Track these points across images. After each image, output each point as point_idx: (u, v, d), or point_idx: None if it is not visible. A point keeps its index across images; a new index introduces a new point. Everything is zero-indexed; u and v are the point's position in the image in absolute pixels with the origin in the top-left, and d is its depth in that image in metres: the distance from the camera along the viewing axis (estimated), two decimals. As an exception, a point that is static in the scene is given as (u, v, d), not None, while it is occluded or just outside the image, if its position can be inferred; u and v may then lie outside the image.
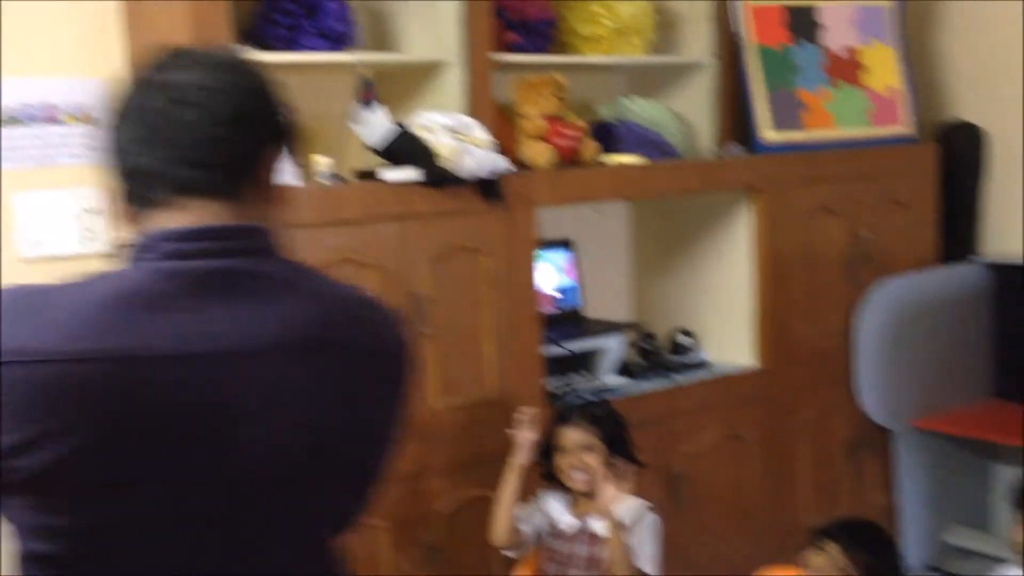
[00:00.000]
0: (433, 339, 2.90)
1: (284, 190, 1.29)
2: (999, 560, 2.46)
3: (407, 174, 2.79)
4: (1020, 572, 2.22)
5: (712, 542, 3.48)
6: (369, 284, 2.79)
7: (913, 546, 3.92)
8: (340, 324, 1.23)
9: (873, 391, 3.76)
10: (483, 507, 3.02)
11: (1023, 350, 3.64)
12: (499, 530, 2.60)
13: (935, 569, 3.95)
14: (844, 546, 2.34)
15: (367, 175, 2.85)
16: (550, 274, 3.51)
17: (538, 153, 3.10)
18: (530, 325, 3.09)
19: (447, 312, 2.93)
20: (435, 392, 2.92)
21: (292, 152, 1.32)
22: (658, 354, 3.60)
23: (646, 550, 2.54)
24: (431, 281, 2.89)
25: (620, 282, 3.93)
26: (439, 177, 2.77)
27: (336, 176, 2.81)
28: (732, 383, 3.52)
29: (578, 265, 3.60)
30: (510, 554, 2.65)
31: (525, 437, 2.62)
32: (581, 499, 2.63)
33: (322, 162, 2.78)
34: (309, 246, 2.68)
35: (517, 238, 3.04)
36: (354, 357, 1.24)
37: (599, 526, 2.57)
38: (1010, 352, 3.95)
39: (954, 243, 4.03)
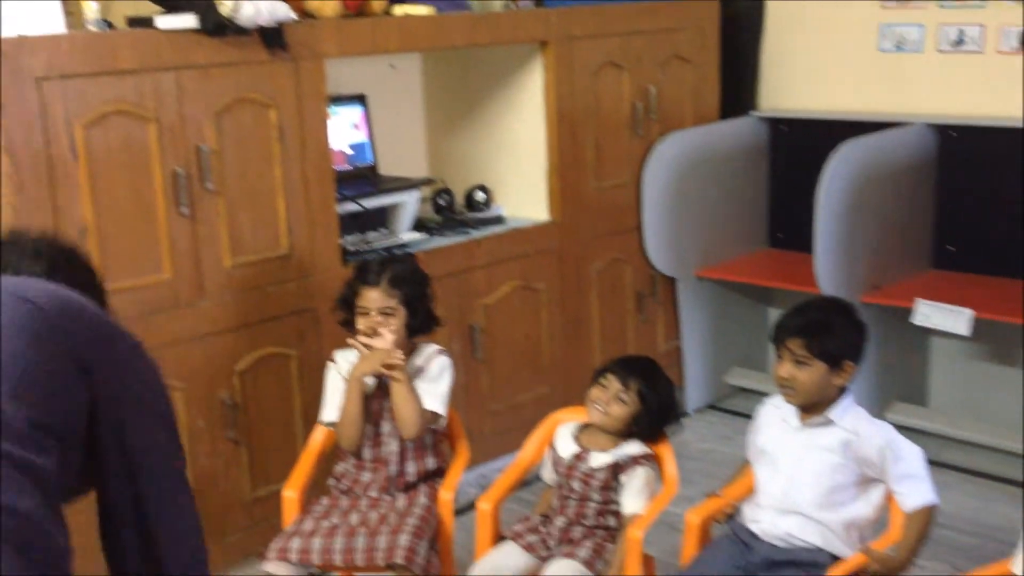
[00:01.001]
0: (221, 195, 2.82)
1: None
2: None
3: (183, 21, 2.66)
4: (782, 401, 2.40)
5: (509, 391, 3.61)
6: (148, 137, 2.68)
7: (696, 387, 4.18)
8: None
9: (659, 242, 3.93)
10: (279, 364, 3.02)
11: (796, 201, 3.83)
12: (350, 439, 2.56)
13: (716, 407, 4.23)
14: (619, 375, 2.47)
15: (140, 22, 2.70)
16: (343, 129, 3.45)
17: (323, 1, 3.01)
18: (323, 181, 3.05)
19: (235, 168, 2.85)
20: (226, 250, 2.86)
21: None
22: (454, 209, 3.63)
23: (434, 388, 2.59)
24: (216, 135, 2.80)
25: (415, 138, 3.91)
26: (217, 24, 2.66)
27: (106, 22, 2.65)
28: (527, 236, 3.60)
29: (372, 121, 3.56)
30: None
31: (361, 350, 2.57)
32: None
33: (90, 7, 2.61)
34: (79, 97, 2.54)
35: (306, 91, 2.96)
36: None
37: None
38: (784, 203, 4.19)
39: (734, 98, 4.19)
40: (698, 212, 4.00)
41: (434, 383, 2.59)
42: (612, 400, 2.47)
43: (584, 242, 3.76)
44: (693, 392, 4.18)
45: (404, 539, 2.43)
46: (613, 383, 2.48)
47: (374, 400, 2.59)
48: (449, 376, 2.62)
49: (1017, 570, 2.03)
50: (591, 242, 3.78)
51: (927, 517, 2.26)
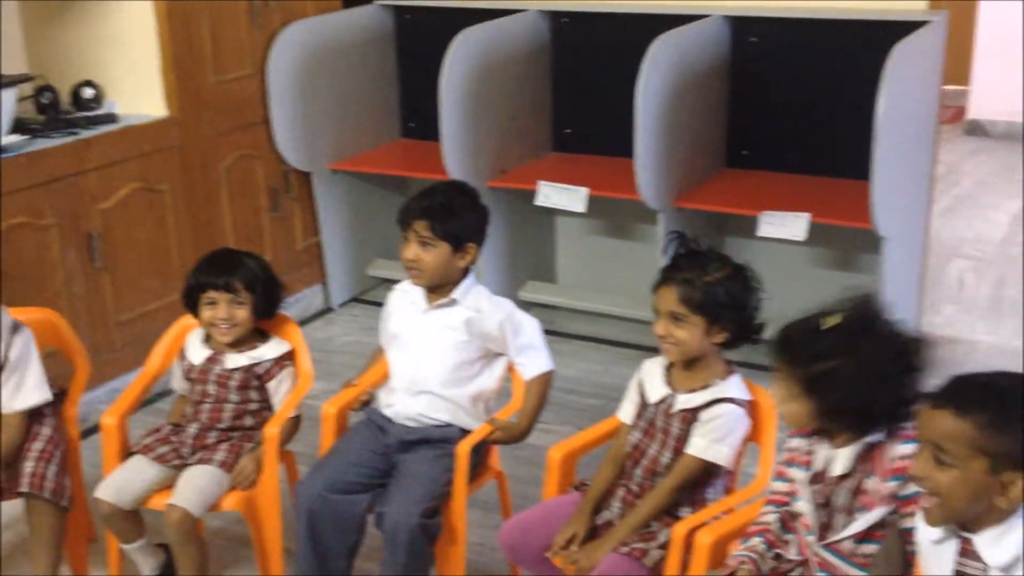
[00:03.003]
0: None
1: None
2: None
3: None
4: (410, 285, 2.43)
5: (137, 300, 3.43)
6: None
7: (338, 281, 4.17)
8: None
9: (289, 136, 3.83)
10: None
11: (424, 91, 3.80)
12: None
13: (359, 300, 4.26)
14: (221, 286, 2.40)
15: None
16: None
17: None
18: None
19: None
20: None
21: None
22: (59, 108, 3.34)
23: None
24: None
25: (9, 30, 3.52)
26: None
27: None
28: (143, 134, 3.38)
29: (-51, 11, 3.17)
30: None
31: None
32: None
33: None
34: None
35: None
36: None
37: None
38: (414, 93, 4.20)
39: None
40: (327, 104, 3.93)
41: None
42: (230, 309, 2.41)
43: (208, 138, 3.59)
44: (336, 287, 4.18)
45: (29, 466, 2.32)
46: (219, 295, 2.41)
47: None
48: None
49: (623, 417, 2.22)
50: (216, 138, 3.62)
51: (545, 383, 2.40)
